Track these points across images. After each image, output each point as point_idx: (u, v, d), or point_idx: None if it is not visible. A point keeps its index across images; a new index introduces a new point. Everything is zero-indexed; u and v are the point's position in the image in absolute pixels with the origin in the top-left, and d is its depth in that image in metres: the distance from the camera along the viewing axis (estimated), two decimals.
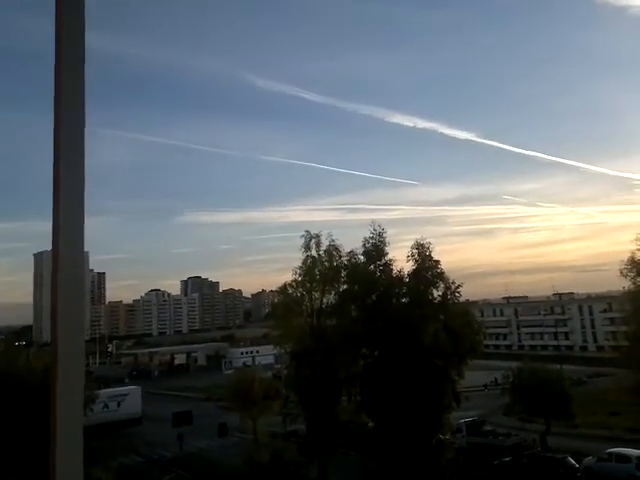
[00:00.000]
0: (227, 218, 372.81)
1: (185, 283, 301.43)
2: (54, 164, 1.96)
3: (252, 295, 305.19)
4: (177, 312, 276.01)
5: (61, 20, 2.01)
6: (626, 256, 61.50)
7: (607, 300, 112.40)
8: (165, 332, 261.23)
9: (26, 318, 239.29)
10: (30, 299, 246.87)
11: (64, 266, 1.91)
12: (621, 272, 61.33)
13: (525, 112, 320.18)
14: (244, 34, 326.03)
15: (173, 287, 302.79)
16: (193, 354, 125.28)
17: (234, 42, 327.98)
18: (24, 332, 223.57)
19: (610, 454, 34.22)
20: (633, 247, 61.28)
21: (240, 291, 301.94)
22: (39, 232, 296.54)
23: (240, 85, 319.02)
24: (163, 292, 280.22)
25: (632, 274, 61.01)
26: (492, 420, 48.39)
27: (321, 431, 32.84)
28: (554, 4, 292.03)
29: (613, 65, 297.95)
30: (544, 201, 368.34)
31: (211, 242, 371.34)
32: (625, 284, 62.94)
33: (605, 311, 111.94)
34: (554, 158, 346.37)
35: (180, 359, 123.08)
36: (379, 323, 30.78)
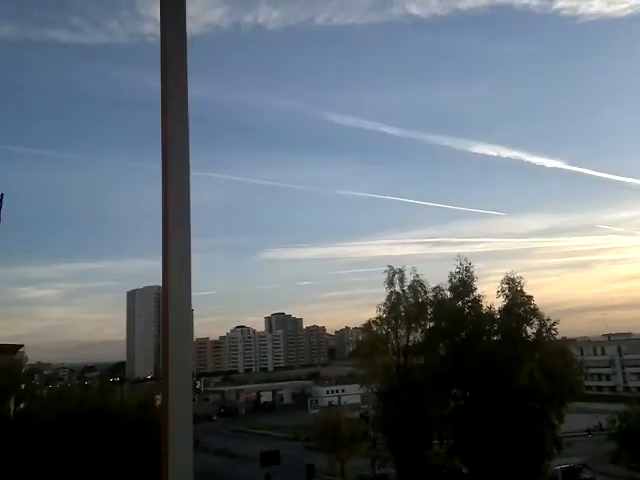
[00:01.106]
0: (308, 254, 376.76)
1: (269, 320, 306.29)
2: (163, 208, 2.06)
3: (335, 332, 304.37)
4: (262, 349, 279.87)
5: (165, 72, 2.15)
6: None
7: None
8: (251, 369, 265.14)
9: (119, 355, 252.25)
10: (123, 336, 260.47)
11: (173, 305, 1.98)
12: None
13: (617, 137, 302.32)
14: (318, 70, 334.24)
15: (257, 324, 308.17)
16: (279, 392, 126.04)
17: (308, 79, 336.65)
18: (118, 369, 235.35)
19: None
20: None
21: (324, 328, 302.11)
22: (131, 271, 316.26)
23: (318, 121, 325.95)
24: (248, 329, 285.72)
25: None
26: (597, 468, 44.53)
27: (412, 475, 31.67)
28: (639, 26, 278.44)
29: None
30: None
31: (293, 278, 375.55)
32: None
33: None
34: None
35: (266, 397, 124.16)
36: (469, 362, 29.64)
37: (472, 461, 29.71)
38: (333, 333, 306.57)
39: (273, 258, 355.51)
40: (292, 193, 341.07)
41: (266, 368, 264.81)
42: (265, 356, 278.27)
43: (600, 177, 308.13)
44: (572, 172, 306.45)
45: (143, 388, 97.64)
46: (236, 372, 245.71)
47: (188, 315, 2.02)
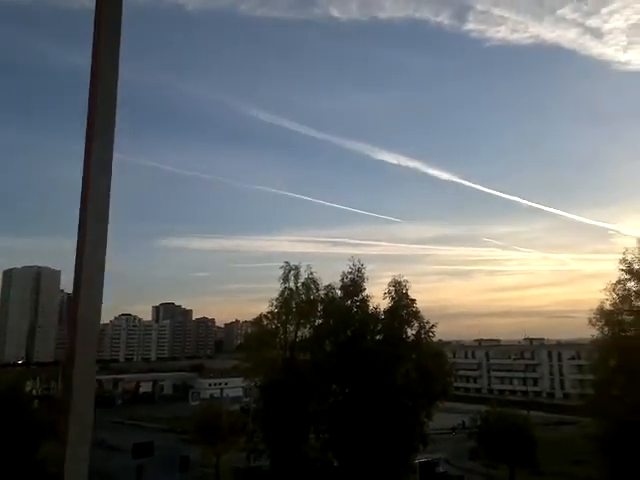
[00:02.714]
0: (211, 244, 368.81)
1: (157, 309, 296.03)
2: (83, 187, 2.01)
3: (225, 325, 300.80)
4: (146, 339, 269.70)
5: (98, 50, 2.09)
6: (596, 304, 62.24)
7: (576, 347, 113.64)
8: (132, 358, 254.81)
9: None
10: None
11: (84, 293, 1.94)
12: (590, 320, 61.89)
13: (508, 158, 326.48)
14: (237, 60, 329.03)
15: (145, 313, 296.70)
16: (160, 383, 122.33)
17: (227, 68, 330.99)
18: None
19: None
20: (603, 296, 62.12)
21: (213, 320, 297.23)
22: (6, 249, 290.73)
23: (232, 114, 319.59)
24: (134, 317, 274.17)
25: (600, 323, 61.65)
26: (457, 464, 47.88)
27: (286, 468, 32.14)
28: (541, 56, 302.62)
29: (595, 117, 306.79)
30: (521, 245, 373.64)
31: (192, 268, 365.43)
32: (594, 332, 63.51)
33: (573, 358, 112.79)
34: (533, 204, 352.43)
35: (146, 387, 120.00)
36: (352, 359, 30.62)
37: (344, 455, 30.72)
38: (223, 326, 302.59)
39: (174, 246, 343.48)
40: (203, 182, 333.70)
41: (149, 358, 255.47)
42: (149, 346, 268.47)
43: (487, 193, 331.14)
44: (463, 186, 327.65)
45: (12, 373, 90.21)
46: (116, 361, 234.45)
47: (98, 302, 1.99)
